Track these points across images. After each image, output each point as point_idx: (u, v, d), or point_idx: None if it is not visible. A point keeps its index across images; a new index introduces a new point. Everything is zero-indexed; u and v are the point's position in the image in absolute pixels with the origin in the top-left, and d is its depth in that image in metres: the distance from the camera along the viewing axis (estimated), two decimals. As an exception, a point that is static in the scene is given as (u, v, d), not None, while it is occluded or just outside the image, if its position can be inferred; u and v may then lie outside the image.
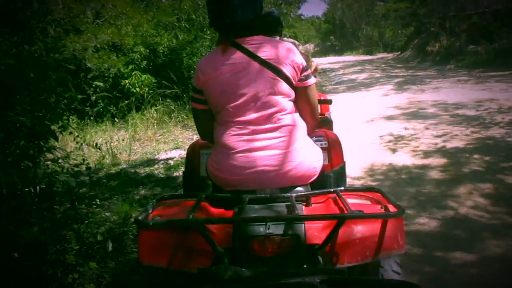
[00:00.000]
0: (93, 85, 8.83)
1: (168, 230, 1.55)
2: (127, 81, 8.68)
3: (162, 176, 5.33)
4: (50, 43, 3.52)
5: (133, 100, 8.51)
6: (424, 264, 2.70)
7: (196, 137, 7.39)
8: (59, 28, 6.91)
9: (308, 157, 1.77)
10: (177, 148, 6.63)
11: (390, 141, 5.90)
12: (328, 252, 1.53)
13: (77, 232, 2.41)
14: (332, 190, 1.75)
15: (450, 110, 7.65)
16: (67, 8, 8.58)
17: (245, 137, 1.75)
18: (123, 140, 7.21)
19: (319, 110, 2.32)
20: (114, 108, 8.65)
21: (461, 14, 18.44)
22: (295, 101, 1.85)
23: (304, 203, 1.72)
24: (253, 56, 1.73)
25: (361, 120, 7.49)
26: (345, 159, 2.47)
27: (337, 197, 1.69)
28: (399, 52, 24.38)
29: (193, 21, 10.68)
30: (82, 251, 2.42)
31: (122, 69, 8.85)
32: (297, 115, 1.85)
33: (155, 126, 7.89)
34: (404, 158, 5.01)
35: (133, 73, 8.78)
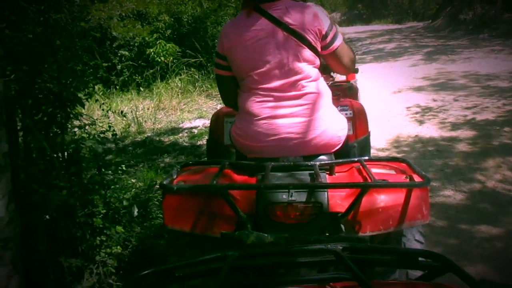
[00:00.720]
0: (119, 54, 8.89)
1: (192, 195, 1.59)
2: (151, 50, 8.68)
3: (186, 144, 5.39)
4: (76, 11, 3.54)
5: (158, 69, 8.53)
6: (448, 236, 2.68)
7: (220, 106, 7.40)
8: (84, -4, 6.92)
9: (332, 126, 1.76)
10: (201, 117, 6.67)
11: (417, 113, 5.76)
12: (350, 220, 1.52)
13: (103, 196, 2.47)
14: (356, 159, 1.73)
15: (481, 82, 7.39)
16: (92, -24, 8.58)
17: (269, 104, 1.74)
18: (148, 109, 7.29)
19: (346, 76, 2.31)
20: (139, 77, 8.70)
21: (497, -20, 17.54)
22: (323, 65, 1.82)
23: (328, 172, 1.70)
24: (277, 22, 1.69)
25: (388, 91, 7.32)
26: (370, 130, 2.44)
27: (361, 166, 1.67)
28: (430, 21, 23.47)
29: (218, -12, 10.52)
30: (109, 215, 2.49)
31: (147, 38, 8.84)
32: (322, 82, 1.82)
33: (179, 95, 7.92)
34: (431, 130, 4.91)
35: (158, 42, 8.76)
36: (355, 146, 2.32)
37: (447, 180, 3.51)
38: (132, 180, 4.14)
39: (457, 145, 4.34)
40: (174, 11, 9.67)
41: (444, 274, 0.81)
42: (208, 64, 9.05)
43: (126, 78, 8.73)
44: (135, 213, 2.74)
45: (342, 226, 1.52)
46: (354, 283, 0.73)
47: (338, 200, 1.54)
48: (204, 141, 5.43)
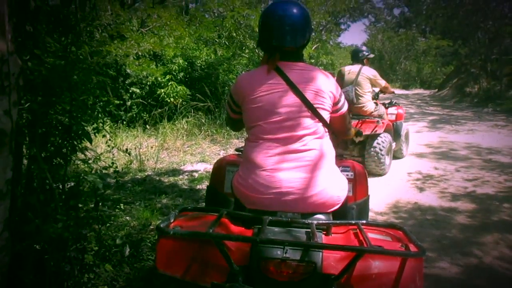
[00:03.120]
0: (130, 91, 9.10)
1: (187, 241, 1.59)
2: (162, 90, 8.89)
3: (186, 187, 5.38)
4: (95, 46, 3.66)
5: (166, 109, 8.69)
6: (441, 310, 2.61)
7: (223, 152, 7.45)
8: (105, 33, 7.20)
9: (332, 185, 1.81)
10: (203, 161, 6.71)
11: (418, 179, 5.78)
12: (343, 283, 1.51)
13: (97, 233, 2.45)
14: (353, 222, 1.75)
15: (483, 155, 7.46)
16: (114, 15, 8.95)
17: (274, 157, 1.79)
18: (152, 147, 7.35)
19: (351, 134, 2.43)
20: (147, 115, 8.86)
21: (504, 58, 18.09)
22: (329, 126, 1.94)
23: (324, 232, 1.71)
24: (292, 85, 1.82)
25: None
26: (369, 193, 2.47)
27: (358, 230, 1.68)
28: (436, 90, 24.02)
29: (233, 38, 10.91)
30: (100, 252, 2.46)
31: (159, 78, 9.08)
32: (327, 141, 1.91)
33: (184, 137, 8.01)
34: (431, 199, 4.89)
35: (170, 83, 9.00)
36: (354, 208, 2.32)
37: (444, 251, 3.46)
38: (127, 218, 4.11)
39: (456, 216, 4.32)
40: (188, 55, 9.98)
41: None
42: (216, 110, 9.21)
43: (134, 115, 8.88)
44: (127, 253, 2.71)
45: None
46: None
47: (332, 262, 1.53)
48: (204, 186, 5.43)
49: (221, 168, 2.49)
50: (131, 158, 6.35)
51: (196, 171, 6.07)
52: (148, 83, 9.23)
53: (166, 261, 1.62)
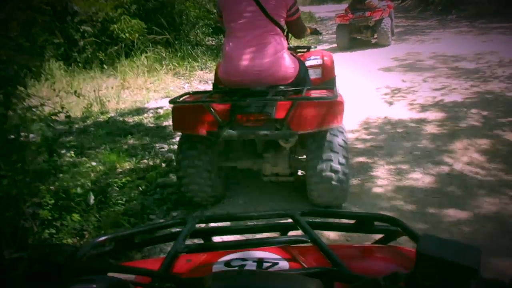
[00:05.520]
0: (81, 30, 8.45)
1: (190, 109, 2.55)
2: (116, 26, 8.30)
3: (152, 125, 5.18)
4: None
5: (123, 46, 8.18)
6: (416, 221, 2.63)
7: (187, 85, 7.16)
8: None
9: (285, 65, 2.63)
10: (167, 96, 6.43)
11: (386, 94, 5.73)
12: (289, 122, 2.43)
13: (52, 185, 2.28)
14: (301, 88, 2.62)
15: (449, 63, 7.44)
16: None
17: (243, 48, 2.59)
18: (112, 87, 6.98)
19: (307, 34, 3.25)
20: (103, 54, 8.30)
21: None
22: (281, 27, 2.68)
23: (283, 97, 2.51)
24: (257, 0, 2.56)
25: (357, 71, 7.24)
26: (335, 74, 3.51)
27: (304, 91, 2.55)
28: (400, 1, 23.56)
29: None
30: (59, 204, 2.31)
31: (110, 13, 8.44)
32: (279, 37, 2.66)
33: (146, 74, 7.63)
34: (400, 112, 4.87)
35: (122, 17, 8.38)
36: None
37: (416, 163, 3.48)
38: (93, 163, 3.93)
39: (425, 127, 4.32)
40: (140, -15, 9.24)
41: (399, 237, 0.84)
42: (176, 42, 8.74)
43: (89, 55, 8.31)
44: (91, 201, 2.56)
45: (284, 126, 2.40)
46: (312, 246, 0.75)
47: (281, 111, 2.43)
48: (170, 122, 5.23)
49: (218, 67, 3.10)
50: (91, 101, 6.02)
51: (160, 107, 5.83)
52: (99, 20, 8.57)
53: (178, 123, 2.67)
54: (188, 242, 0.77)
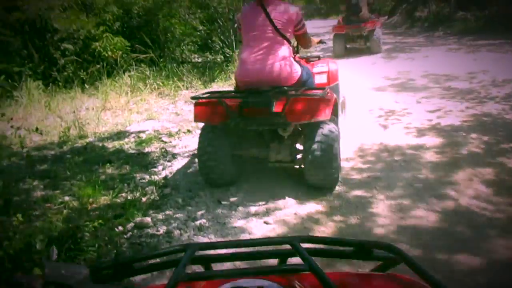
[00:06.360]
0: (62, 48, 8.12)
1: (209, 104, 3.31)
2: (98, 43, 7.99)
3: (133, 151, 4.84)
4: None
5: (105, 64, 7.84)
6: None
7: (172, 107, 6.84)
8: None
9: (289, 69, 3.22)
10: (150, 118, 6.12)
11: (380, 116, 5.48)
12: (286, 115, 3.03)
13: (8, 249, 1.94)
14: (299, 89, 3.24)
15: (441, 82, 7.26)
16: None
17: (253, 55, 3.21)
18: (92, 108, 6.62)
19: (313, 45, 4.04)
20: (84, 73, 7.94)
21: (451, -21, 17.77)
22: (288, 39, 3.30)
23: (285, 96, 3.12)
24: (267, 14, 3.20)
25: (349, 90, 6.98)
26: (339, 80, 4.16)
27: (302, 89, 3.23)
28: (386, 17, 23.69)
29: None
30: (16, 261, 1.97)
31: (92, 31, 8.14)
32: (285, 47, 3.25)
33: (129, 94, 7.30)
34: (396, 136, 4.61)
35: (105, 35, 8.08)
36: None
37: (418, 197, 3.20)
38: (66, 198, 3.59)
39: (424, 154, 4.06)
40: (123, 2, 8.97)
41: (398, 264, 0.85)
42: (160, 60, 8.45)
43: (70, 74, 7.95)
44: (54, 256, 2.22)
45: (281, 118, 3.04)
46: (311, 274, 0.74)
47: (278, 105, 3.05)
48: (153, 148, 4.91)
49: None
50: (69, 123, 5.67)
51: (143, 131, 5.49)
52: (80, 37, 8.26)
53: (199, 115, 3.36)
54: (188, 268, 0.77)
